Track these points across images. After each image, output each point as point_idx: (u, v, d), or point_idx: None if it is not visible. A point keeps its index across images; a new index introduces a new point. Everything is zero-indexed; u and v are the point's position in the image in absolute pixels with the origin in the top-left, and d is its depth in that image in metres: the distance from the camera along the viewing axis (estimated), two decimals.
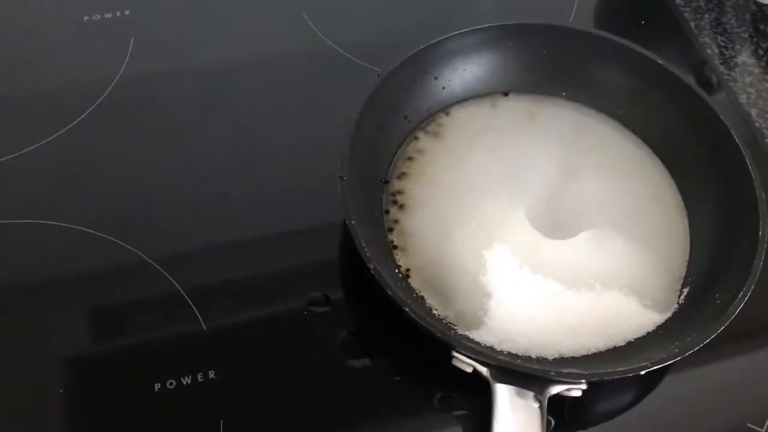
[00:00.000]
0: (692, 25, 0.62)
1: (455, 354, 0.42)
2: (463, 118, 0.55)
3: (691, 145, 0.52)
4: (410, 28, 0.62)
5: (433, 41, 0.53)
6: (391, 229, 0.50)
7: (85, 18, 0.62)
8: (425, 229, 0.50)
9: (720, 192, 0.50)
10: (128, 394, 0.45)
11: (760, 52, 0.61)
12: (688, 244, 0.51)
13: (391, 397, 0.46)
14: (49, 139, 0.54)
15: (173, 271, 0.49)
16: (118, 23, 0.62)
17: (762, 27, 0.62)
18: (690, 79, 0.53)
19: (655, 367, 0.41)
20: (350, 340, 0.47)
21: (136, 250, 0.49)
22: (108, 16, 0.62)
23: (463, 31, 0.53)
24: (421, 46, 0.52)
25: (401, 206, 0.51)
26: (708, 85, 0.59)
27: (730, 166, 0.50)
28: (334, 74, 0.59)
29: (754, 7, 0.63)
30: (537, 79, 0.56)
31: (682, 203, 0.52)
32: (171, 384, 0.44)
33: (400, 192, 0.51)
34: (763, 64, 0.60)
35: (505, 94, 0.56)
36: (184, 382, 0.45)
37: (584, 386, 0.41)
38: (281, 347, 0.47)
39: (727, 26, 0.62)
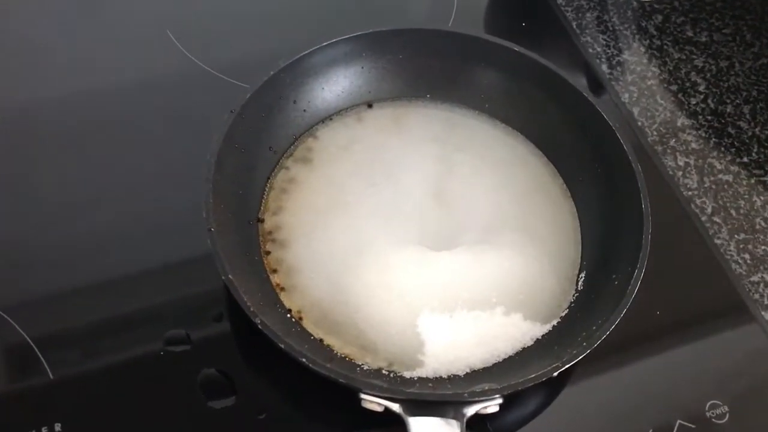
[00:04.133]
0: (574, 24, 0.62)
1: (363, 396, 0.39)
2: (330, 138, 0.52)
3: (561, 127, 0.52)
4: (281, 42, 0.58)
5: (282, 65, 0.50)
6: (275, 270, 0.46)
7: None
8: (311, 264, 0.47)
9: (597, 168, 0.50)
10: None
11: (642, 49, 0.61)
12: (578, 228, 0.50)
13: None
14: None
15: (19, 318, 0.44)
16: None
17: (644, 24, 0.62)
18: (548, 63, 0.52)
19: (567, 366, 0.40)
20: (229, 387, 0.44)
21: None
22: None
23: (311, 49, 0.51)
24: (271, 73, 0.49)
25: (281, 243, 0.47)
26: (596, 86, 0.59)
27: (602, 141, 0.49)
28: (204, 94, 0.55)
29: (635, 4, 0.63)
30: (399, 85, 0.54)
31: (564, 186, 0.52)
32: None
33: (278, 228, 0.48)
34: (645, 61, 0.60)
35: (369, 105, 0.54)
36: None
37: (500, 401, 0.40)
38: (136, 393, 0.43)
39: (609, 24, 0.62)
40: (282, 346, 0.39)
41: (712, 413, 0.45)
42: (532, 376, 0.40)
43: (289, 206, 0.49)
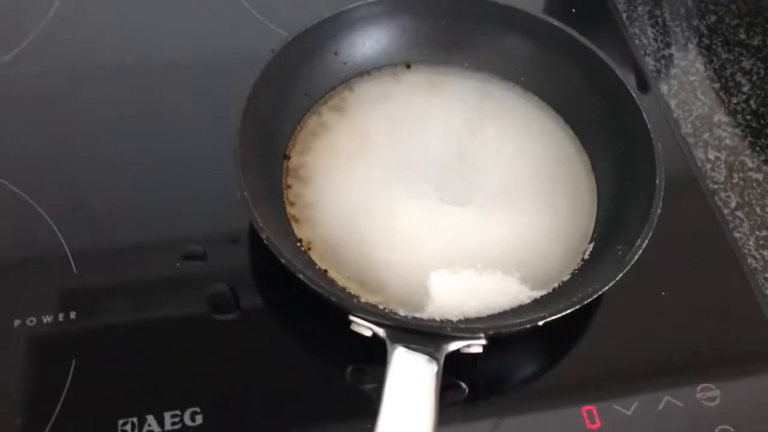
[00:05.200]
0: (624, 16, 0.62)
1: (353, 318, 0.41)
2: (365, 92, 0.55)
3: (591, 104, 0.52)
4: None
5: (327, 16, 0.52)
6: (292, 203, 0.49)
7: None
8: (327, 202, 0.49)
9: (621, 146, 0.50)
10: None
11: (690, 46, 0.61)
12: (596, 203, 0.51)
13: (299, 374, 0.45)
14: None
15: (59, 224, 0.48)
16: None
17: (696, 22, 0.62)
18: (587, 42, 0.53)
19: (552, 318, 0.41)
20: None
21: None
22: None
23: (357, 4, 0.53)
24: (315, 21, 0.52)
25: (302, 179, 0.50)
26: (637, 76, 0.59)
27: (628, 120, 0.50)
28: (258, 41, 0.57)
29: (690, 2, 0.63)
30: (438, 50, 0.56)
31: (588, 162, 0.52)
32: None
33: (302, 166, 0.51)
34: (691, 57, 0.60)
35: (408, 66, 0.56)
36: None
37: (483, 341, 0.41)
38: (152, 299, 0.46)
39: (660, 19, 0.63)
40: (283, 261, 0.41)
41: (702, 395, 0.44)
42: (517, 321, 0.41)
43: (315, 147, 0.52)
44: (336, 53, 0.54)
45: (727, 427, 0.43)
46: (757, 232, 0.51)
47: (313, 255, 0.47)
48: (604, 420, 0.43)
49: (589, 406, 0.44)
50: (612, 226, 0.48)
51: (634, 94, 0.49)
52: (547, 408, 0.45)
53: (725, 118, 0.57)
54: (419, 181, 0.50)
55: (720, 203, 0.53)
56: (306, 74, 0.53)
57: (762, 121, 0.57)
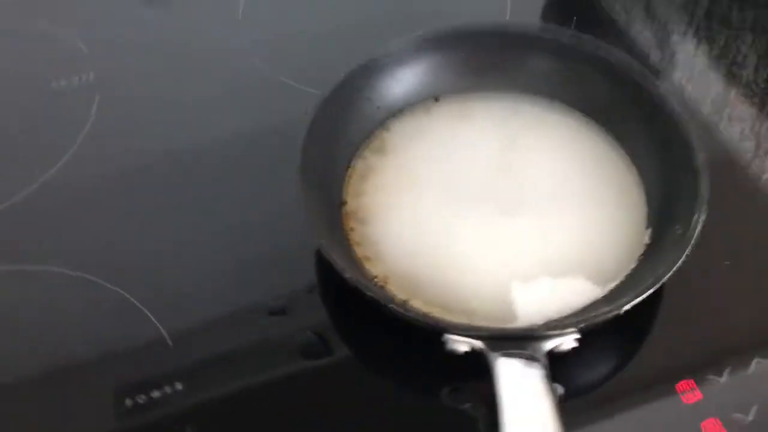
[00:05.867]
0: (623, 15, 0.66)
1: (448, 336, 0.43)
2: (401, 130, 0.57)
3: (620, 104, 0.55)
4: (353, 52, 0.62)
5: (355, 67, 0.55)
6: (359, 244, 0.51)
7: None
8: (391, 236, 0.51)
9: (655, 136, 0.53)
10: None
11: (691, 32, 0.65)
12: (643, 194, 0.53)
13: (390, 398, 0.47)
14: None
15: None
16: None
17: (691, 8, 0.66)
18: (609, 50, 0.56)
19: (634, 302, 0.43)
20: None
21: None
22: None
23: (383, 52, 0.56)
24: (346, 73, 0.55)
25: (362, 221, 0.52)
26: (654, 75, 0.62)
27: (658, 110, 0.52)
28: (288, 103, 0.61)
29: None
30: (463, 81, 0.58)
31: (627, 158, 0.54)
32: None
33: (359, 208, 0.53)
34: (696, 42, 0.64)
35: (436, 99, 0.59)
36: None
37: (575, 335, 0.42)
38: (245, 355, 0.48)
39: (656, 13, 0.66)
40: (370, 294, 0.43)
41: None
42: (604, 309, 0.43)
43: (367, 189, 0.54)
44: (369, 98, 0.57)
45: None
46: None
47: (391, 288, 0.49)
48: (702, 391, 0.45)
49: (684, 381, 0.46)
50: (665, 210, 0.50)
51: (658, 85, 0.52)
52: (643, 393, 0.46)
53: (742, 90, 0.60)
54: (471, 200, 0.52)
55: (757, 170, 0.55)
56: (345, 124, 0.55)
57: None
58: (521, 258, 0.50)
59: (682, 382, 0.46)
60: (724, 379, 0.46)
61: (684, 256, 0.44)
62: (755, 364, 0.46)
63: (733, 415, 0.44)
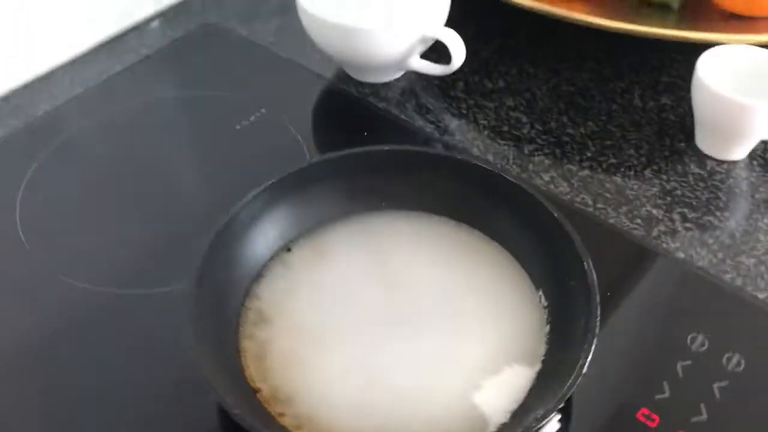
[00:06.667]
0: (402, 116, 0.70)
1: None
2: (270, 293, 0.54)
3: (485, 204, 0.56)
4: None
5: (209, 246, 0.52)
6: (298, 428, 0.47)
7: None
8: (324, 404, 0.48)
9: (540, 236, 0.54)
10: None
11: (464, 111, 0.70)
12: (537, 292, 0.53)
13: None
14: None
15: None
16: None
17: (452, 93, 0.72)
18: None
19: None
20: None
21: None
22: None
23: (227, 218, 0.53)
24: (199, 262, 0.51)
25: (287, 402, 0.48)
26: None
27: (537, 213, 0.54)
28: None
29: (436, 81, 0.73)
30: (299, 224, 0.57)
31: (518, 264, 0.55)
32: None
33: (278, 391, 0.49)
34: (472, 119, 0.70)
35: (288, 249, 0.57)
36: None
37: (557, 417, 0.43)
38: None
39: (428, 104, 0.71)
40: None
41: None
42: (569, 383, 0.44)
43: (272, 366, 0.50)
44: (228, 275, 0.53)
45: None
46: (620, 209, 0.61)
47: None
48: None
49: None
50: (554, 270, 0.52)
51: (533, 193, 0.54)
52: None
53: (530, 147, 0.67)
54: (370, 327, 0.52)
55: (582, 206, 0.62)
56: (218, 310, 0.51)
57: (554, 135, 0.68)
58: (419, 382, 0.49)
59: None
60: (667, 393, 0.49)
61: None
62: (680, 368, 0.51)
63: (692, 420, 0.48)
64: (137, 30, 0.81)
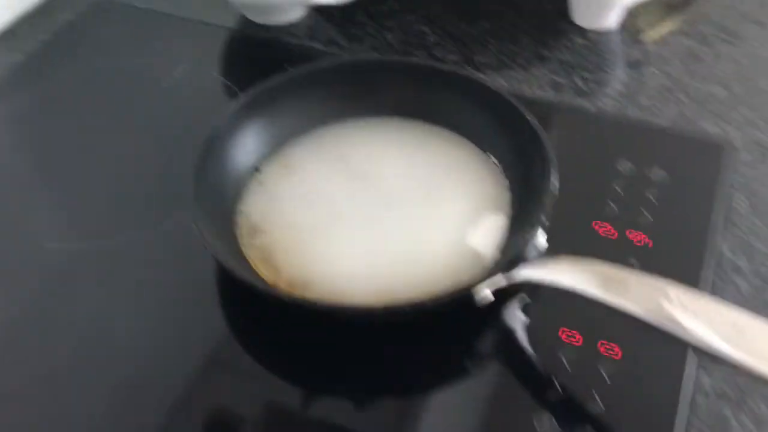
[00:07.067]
0: (317, 47, 0.75)
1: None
2: (252, 208, 0.58)
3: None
4: None
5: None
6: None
7: None
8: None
9: (486, 110, 0.60)
10: None
11: (371, 33, 0.77)
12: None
13: None
14: None
15: None
16: None
17: (356, 20, 0.78)
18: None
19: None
20: None
21: None
22: None
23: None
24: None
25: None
26: None
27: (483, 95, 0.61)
28: None
29: (338, 15, 0.78)
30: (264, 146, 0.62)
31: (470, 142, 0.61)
32: None
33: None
34: (381, 39, 0.75)
35: (257, 169, 0.60)
36: None
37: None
38: None
39: (337, 37, 0.77)
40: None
41: None
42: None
43: (280, 263, 0.54)
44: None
45: None
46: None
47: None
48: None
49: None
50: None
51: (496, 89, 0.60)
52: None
53: (441, 52, 0.74)
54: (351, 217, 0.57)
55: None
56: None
57: (457, 39, 0.76)
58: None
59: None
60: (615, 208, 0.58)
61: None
62: (617, 187, 0.60)
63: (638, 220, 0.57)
64: (28, 21, 0.81)
